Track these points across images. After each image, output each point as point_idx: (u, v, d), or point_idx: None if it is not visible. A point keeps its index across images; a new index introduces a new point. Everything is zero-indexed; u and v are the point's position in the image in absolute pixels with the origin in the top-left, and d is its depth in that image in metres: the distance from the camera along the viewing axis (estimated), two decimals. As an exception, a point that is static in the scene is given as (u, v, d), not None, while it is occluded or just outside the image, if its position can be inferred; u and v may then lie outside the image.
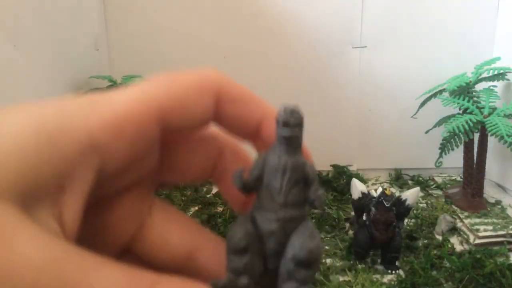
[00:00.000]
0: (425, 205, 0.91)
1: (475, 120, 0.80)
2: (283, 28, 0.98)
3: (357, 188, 0.75)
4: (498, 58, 0.90)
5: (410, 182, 1.02)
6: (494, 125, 0.77)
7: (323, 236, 0.80)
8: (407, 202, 0.72)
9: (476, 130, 0.82)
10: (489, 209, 0.86)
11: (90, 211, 0.18)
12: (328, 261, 0.74)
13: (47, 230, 0.15)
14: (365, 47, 0.99)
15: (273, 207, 0.19)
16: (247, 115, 0.20)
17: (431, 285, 0.67)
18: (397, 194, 0.73)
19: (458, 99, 0.85)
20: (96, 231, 0.20)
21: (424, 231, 0.81)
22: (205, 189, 0.96)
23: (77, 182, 0.16)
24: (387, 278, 0.70)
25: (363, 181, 0.94)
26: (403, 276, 0.70)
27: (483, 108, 0.83)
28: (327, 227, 0.83)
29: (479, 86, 0.89)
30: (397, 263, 0.72)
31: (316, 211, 0.84)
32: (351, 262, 0.73)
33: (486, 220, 0.82)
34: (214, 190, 0.96)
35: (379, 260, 0.73)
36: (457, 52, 0.98)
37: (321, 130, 1.02)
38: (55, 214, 0.16)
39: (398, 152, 1.03)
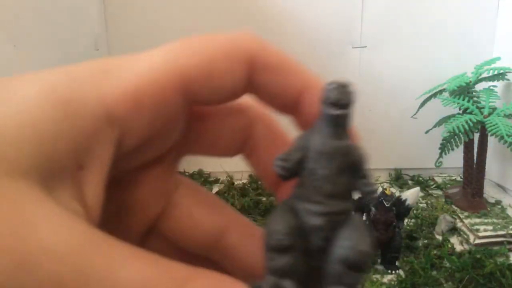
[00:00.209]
0: (425, 205, 0.91)
1: (475, 120, 0.80)
2: (283, 28, 0.98)
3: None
4: (498, 58, 0.90)
5: (410, 182, 1.02)
6: (494, 125, 0.77)
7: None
8: (407, 202, 0.72)
9: (476, 130, 0.82)
10: (489, 209, 0.86)
11: (111, 190, 0.16)
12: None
13: (70, 212, 0.13)
14: (365, 47, 0.99)
15: (318, 198, 0.16)
16: (285, 85, 0.17)
17: (431, 285, 0.67)
18: (397, 194, 0.73)
19: (458, 99, 0.85)
20: (119, 211, 0.18)
21: (424, 231, 0.81)
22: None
23: (96, 158, 0.15)
24: (387, 278, 0.70)
25: (363, 181, 0.94)
26: (403, 276, 0.70)
27: (483, 108, 0.83)
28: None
29: (479, 86, 0.89)
30: (397, 263, 0.72)
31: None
32: (351, 262, 0.73)
33: (486, 220, 0.82)
34: (214, 190, 0.96)
35: (379, 260, 0.73)
36: (457, 52, 0.98)
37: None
38: (75, 194, 0.14)
39: (398, 152, 1.03)
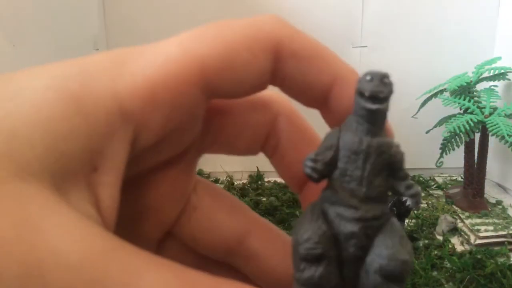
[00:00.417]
0: (425, 205, 0.91)
1: (476, 120, 0.80)
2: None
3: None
4: (499, 58, 0.90)
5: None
6: (495, 125, 0.77)
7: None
8: (408, 203, 0.71)
9: (477, 130, 0.82)
10: (490, 209, 0.86)
11: (126, 192, 0.15)
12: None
13: (84, 217, 0.12)
14: (366, 46, 0.99)
15: (352, 202, 0.15)
16: (315, 76, 0.16)
17: (432, 286, 0.66)
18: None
19: (459, 99, 0.84)
20: (134, 215, 0.17)
21: (425, 231, 0.81)
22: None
23: (110, 158, 0.14)
24: (387, 279, 0.70)
25: (364, 181, 0.93)
26: (404, 276, 0.69)
27: (484, 108, 0.82)
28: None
29: (480, 86, 0.88)
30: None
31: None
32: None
33: (487, 221, 0.82)
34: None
35: (379, 261, 0.73)
36: (457, 52, 0.98)
37: (321, 130, 1.01)
38: (90, 197, 0.13)
39: (398, 152, 1.03)
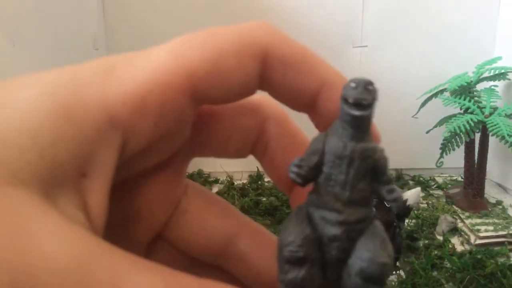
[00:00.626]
0: (425, 205, 0.91)
1: (476, 120, 0.80)
2: (284, 28, 0.97)
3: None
4: (499, 58, 0.90)
5: (410, 182, 1.02)
6: (495, 125, 0.77)
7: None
8: (408, 203, 0.71)
9: (477, 130, 0.82)
10: (490, 209, 0.86)
11: (115, 196, 0.15)
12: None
13: (73, 222, 0.12)
14: (366, 46, 0.98)
15: (335, 206, 0.15)
16: (303, 82, 0.16)
17: (432, 286, 0.66)
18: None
19: (459, 99, 0.84)
20: (124, 219, 0.17)
21: (425, 231, 0.81)
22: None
23: (99, 164, 0.14)
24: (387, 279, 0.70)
25: (364, 181, 0.93)
26: (404, 276, 0.69)
27: (484, 108, 0.82)
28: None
29: (480, 86, 0.88)
30: (397, 264, 0.72)
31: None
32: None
33: (487, 221, 0.82)
34: (214, 190, 0.96)
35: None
36: (458, 52, 0.98)
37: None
38: (78, 202, 0.13)
39: (398, 152, 1.03)
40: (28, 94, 0.13)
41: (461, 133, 0.81)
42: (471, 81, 0.86)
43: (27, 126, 0.12)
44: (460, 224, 0.83)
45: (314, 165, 0.15)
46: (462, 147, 0.87)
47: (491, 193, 0.93)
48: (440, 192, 0.96)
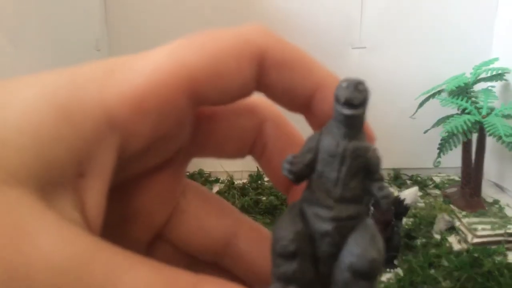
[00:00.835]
0: (423, 204, 0.92)
1: (473, 120, 0.80)
2: (282, 28, 0.98)
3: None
4: (497, 59, 0.91)
5: (408, 181, 1.02)
6: (492, 125, 0.78)
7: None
8: (406, 202, 0.72)
9: (475, 130, 0.83)
10: (487, 208, 0.87)
11: (114, 197, 0.15)
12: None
13: (69, 221, 0.13)
14: (365, 47, 0.99)
15: (327, 203, 0.15)
16: (298, 83, 0.16)
17: (429, 284, 0.67)
18: (396, 193, 0.74)
19: (457, 99, 0.85)
20: (123, 220, 0.17)
21: (423, 230, 0.82)
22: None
23: (97, 165, 0.14)
24: (385, 277, 0.70)
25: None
26: (402, 274, 0.70)
27: (481, 108, 0.83)
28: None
29: (478, 87, 0.89)
30: (395, 262, 0.73)
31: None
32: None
33: (484, 220, 0.83)
34: (214, 190, 0.97)
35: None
36: (455, 53, 0.98)
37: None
38: (76, 202, 0.13)
39: (396, 152, 1.04)
40: (28, 95, 0.13)
41: (458, 133, 0.81)
42: (469, 82, 0.87)
43: (26, 126, 0.13)
44: (457, 223, 0.83)
45: (308, 163, 0.16)
46: (460, 147, 0.88)
47: (488, 192, 0.93)
48: (437, 192, 0.97)
